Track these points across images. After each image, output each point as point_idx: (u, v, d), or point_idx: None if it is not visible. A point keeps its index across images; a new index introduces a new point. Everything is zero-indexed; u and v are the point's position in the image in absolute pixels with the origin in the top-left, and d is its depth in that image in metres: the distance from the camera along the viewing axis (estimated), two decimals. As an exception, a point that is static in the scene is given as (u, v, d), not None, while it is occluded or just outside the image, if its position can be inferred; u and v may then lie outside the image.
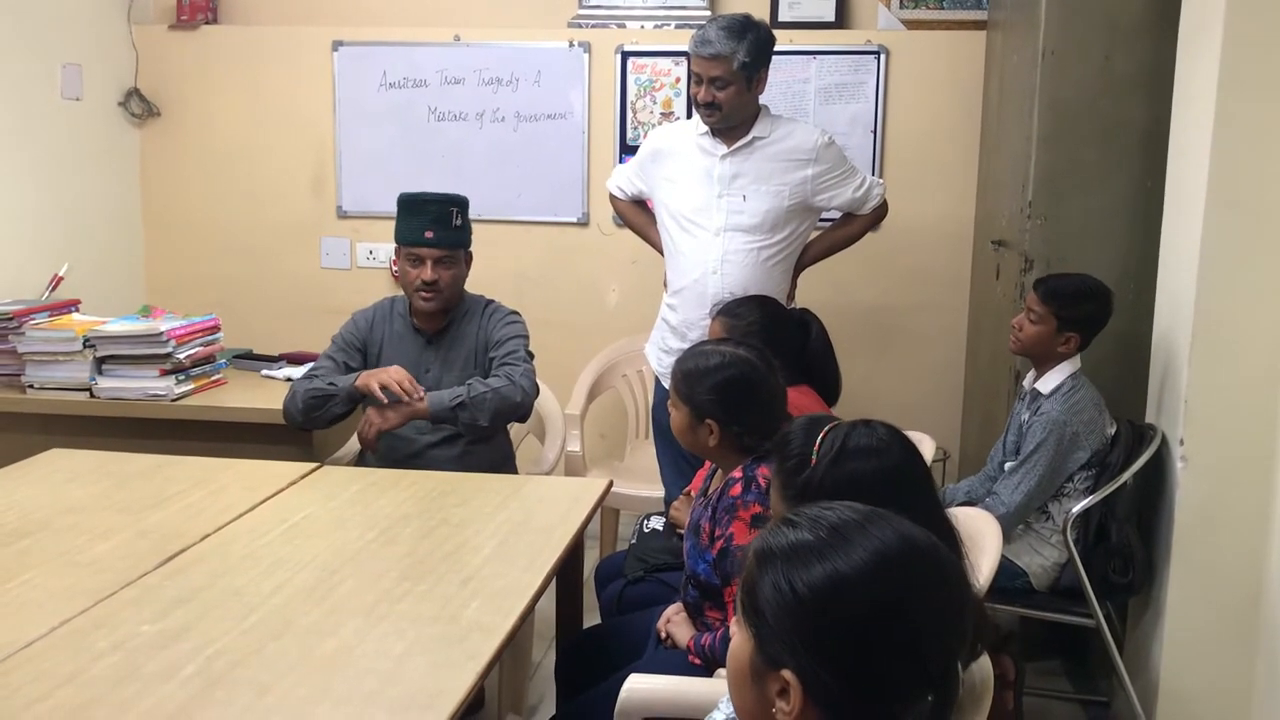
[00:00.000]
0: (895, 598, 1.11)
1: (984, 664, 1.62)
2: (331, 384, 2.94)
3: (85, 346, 3.35)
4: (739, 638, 1.17)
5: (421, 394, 2.86)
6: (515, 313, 3.15)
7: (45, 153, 4.16)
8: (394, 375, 2.85)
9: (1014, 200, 3.51)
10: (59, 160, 4.23)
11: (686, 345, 3.22)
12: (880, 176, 4.18)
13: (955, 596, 1.16)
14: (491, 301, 3.17)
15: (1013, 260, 3.50)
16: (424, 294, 3.00)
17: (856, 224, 3.47)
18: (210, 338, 3.53)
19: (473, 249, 3.12)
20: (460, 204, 3.05)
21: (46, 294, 3.87)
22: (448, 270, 3.00)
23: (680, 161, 3.38)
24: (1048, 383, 3.00)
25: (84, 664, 1.72)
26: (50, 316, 3.52)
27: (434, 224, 2.98)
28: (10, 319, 3.44)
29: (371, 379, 2.86)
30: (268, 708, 1.61)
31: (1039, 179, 3.32)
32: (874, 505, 1.21)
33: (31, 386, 3.40)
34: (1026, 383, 3.10)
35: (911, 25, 4.31)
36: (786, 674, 1.11)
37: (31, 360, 3.39)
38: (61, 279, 3.91)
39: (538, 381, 3.04)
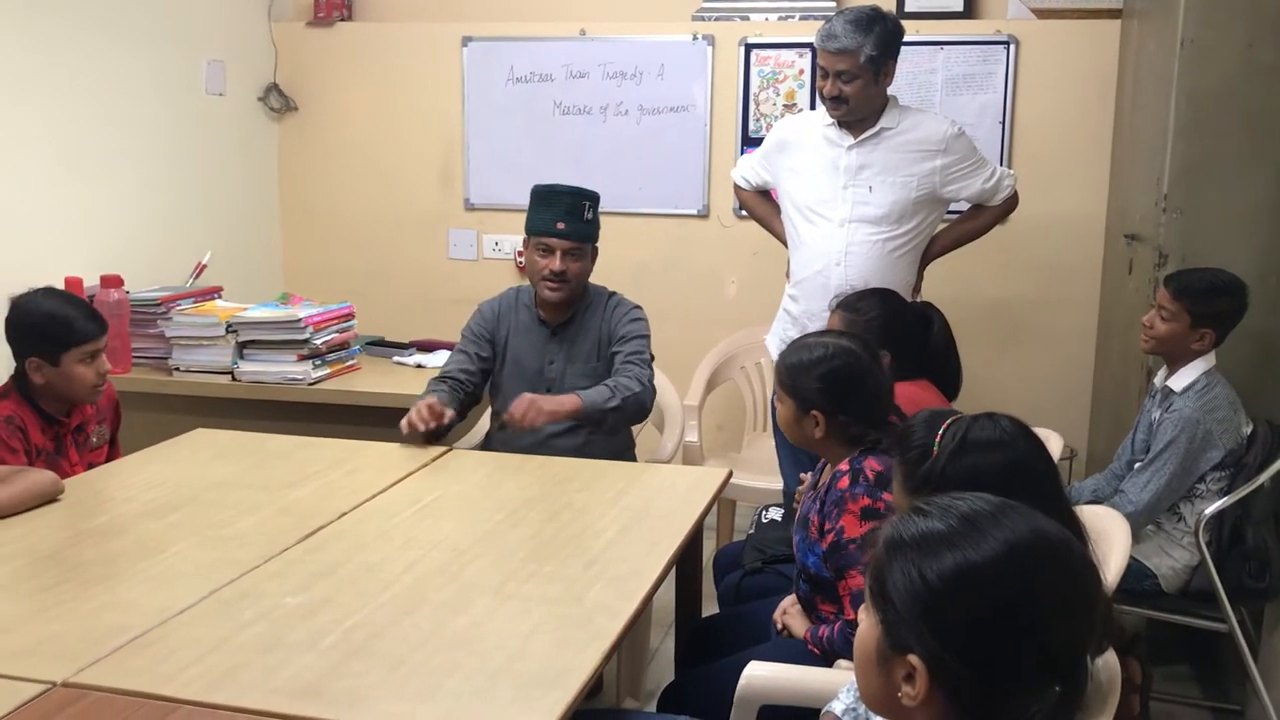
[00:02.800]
0: (1024, 589, 1.11)
1: (1111, 663, 1.60)
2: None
3: (228, 332, 3.51)
4: (866, 623, 1.19)
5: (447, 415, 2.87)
6: (638, 308, 3.16)
7: (190, 146, 4.35)
8: (427, 416, 2.85)
9: (1148, 193, 3.42)
10: (203, 153, 4.42)
11: (802, 337, 3.24)
12: (1010, 169, 4.10)
13: (1085, 590, 1.15)
14: (615, 294, 3.19)
15: (1146, 255, 3.41)
16: (550, 284, 3.03)
17: (985, 216, 3.42)
18: (345, 324, 3.66)
19: (597, 243, 3.15)
20: (592, 198, 3.09)
21: (190, 281, 4.05)
22: (575, 262, 3.04)
23: (806, 152, 3.37)
24: (1180, 380, 2.93)
25: (231, 631, 1.82)
26: (195, 303, 3.69)
27: (566, 215, 3.02)
28: (158, 305, 3.62)
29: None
30: (402, 679, 1.67)
31: (1175, 171, 3.22)
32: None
33: (177, 369, 3.57)
34: (1158, 380, 3.03)
35: (1042, 14, 4.22)
36: (913, 659, 1.12)
37: (178, 344, 3.56)
38: (205, 267, 4.09)
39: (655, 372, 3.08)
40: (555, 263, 3.01)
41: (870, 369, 2.26)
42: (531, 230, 3.08)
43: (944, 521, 1.15)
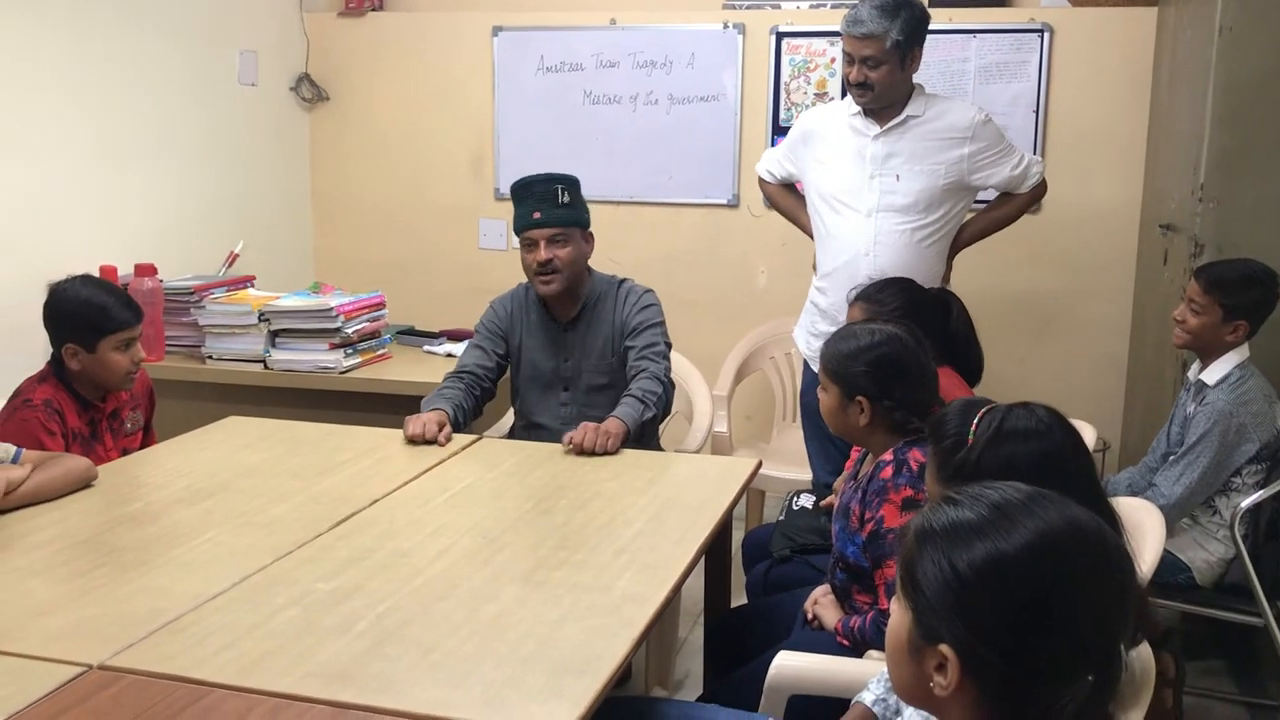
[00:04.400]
0: (1056, 578, 1.11)
1: (1145, 655, 1.59)
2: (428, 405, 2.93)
3: (260, 320, 3.53)
4: (898, 612, 1.18)
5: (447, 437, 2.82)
6: (650, 292, 3.10)
7: (223, 135, 4.38)
8: (420, 433, 2.79)
9: (1184, 183, 3.38)
10: (235, 143, 4.45)
11: (836, 329, 3.22)
12: (1041, 158, 4.07)
13: (1119, 579, 1.14)
14: (625, 281, 3.13)
15: (1182, 245, 3.37)
16: (542, 277, 2.96)
17: (1014, 203, 3.39)
18: (376, 314, 3.68)
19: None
20: (565, 181, 3.00)
21: (223, 270, 4.08)
22: (561, 248, 2.95)
23: (831, 143, 3.35)
24: (1213, 373, 2.90)
25: (265, 616, 1.83)
26: (228, 291, 3.72)
27: (540, 204, 2.96)
28: (191, 293, 3.65)
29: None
30: (433, 664, 1.68)
31: (1212, 161, 3.19)
32: (1032, 488, 1.20)
33: (210, 357, 3.60)
34: (1191, 374, 3.00)
35: (1077, 2, 4.18)
36: (944, 649, 1.12)
37: (210, 332, 3.59)
38: (237, 256, 4.12)
39: (682, 362, 3.03)
40: (540, 253, 2.94)
41: (917, 356, 2.25)
42: (515, 229, 3.03)
43: (975, 511, 1.15)
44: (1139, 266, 4.14)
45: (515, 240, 4.69)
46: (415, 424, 2.80)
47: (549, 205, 2.96)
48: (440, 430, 2.80)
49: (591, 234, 3.08)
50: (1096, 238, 4.21)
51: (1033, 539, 1.11)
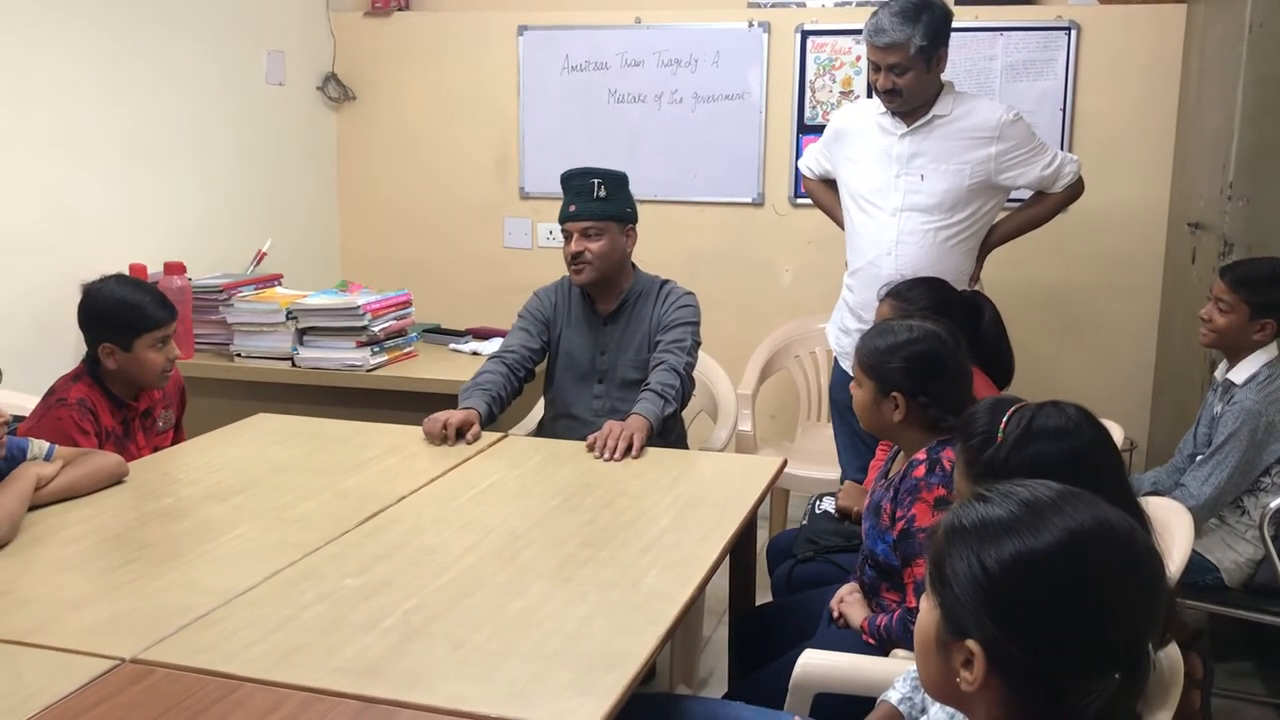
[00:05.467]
0: (1086, 578, 1.11)
1: (1174, 655, 1.58)
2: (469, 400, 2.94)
3: (288, 318, 3.56)
4: (927, 608, 1.19)
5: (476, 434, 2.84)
6: (690, 294, 3.13)
7: (251, 135, 4.41)
8: (438, 430, 2.81)
9: (1213, 181, 3.36)
10: (263, 142, 4.48)
11: (863, 326, 3.21)
12: (1077, 158, 4.05)
13: (1149, 578, 1.14)
14: (668, 282, 3.16)
15: (1211, 244, 3.35)
16: (573, 266, 3.04)
17: (1047, 203, 3.36)
18: (402, 312, 3.70)
19: (647, 228, 3.12)
20: (605, 175, 3.04)
21: (251, 268, 4.11)
22: (594, 241, 3.00)
23: (861, 141, 3.35)
24: (1241, 372, 2.88)
25: (294, 612, 1.85)
26: (256, 290, 3.75)
27: (576, 197, 3.02)
28: (220, 292, 3.69)
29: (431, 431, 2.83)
30: (461, 660, 1.69)
31: (1241, 159, 3.16)
32: (1061, 487, 1.20)
33: (239, 355, 3.63)
34: (1219, 373, 2.98)
35: (1105, -1, 4.16)
36: (971, 645, 1.12)
37: (239, 330, 3.62)
38: (265, 254, 4.15)
39: (707, 360, 3.04)
40: (573, 245, 3.02)
41: (954, 353, 2.25)
42: (559, 221, 3.10)
43: (1004, 508, 1.15)
44: (1167, 265, 4.11)
45: (540, 239, 4.76)
46: (433, 424, 2.80)
47: (584, 199, 3.02)
48: (463, 434, 2.80)
49: (633, 229, 3.11)
50: (1124, 236, 4.18)
51: (1063, 537, 1.11)
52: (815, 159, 3.56)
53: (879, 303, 3.03)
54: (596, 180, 3.03)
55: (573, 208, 3.02)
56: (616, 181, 3.07)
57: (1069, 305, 4.28)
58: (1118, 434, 2.73)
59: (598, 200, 3.02)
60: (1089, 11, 4.13)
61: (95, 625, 1.80)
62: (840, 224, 3.54)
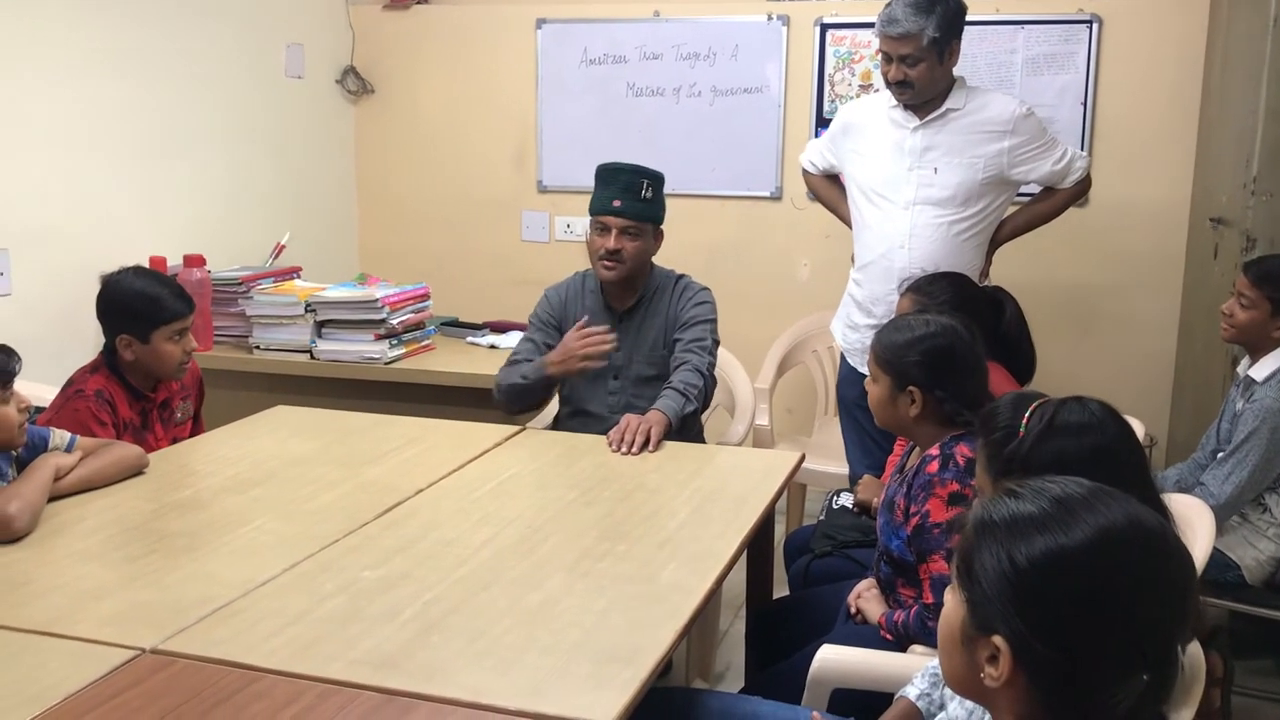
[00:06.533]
0: (1116, 575, 1.10)
1: (1195, 653, 1.57)
2: (524, 376, 2.97)
3: (307, 311, 3.57)
4: (952, 602, 1.18)
5: (610, 340, 2.88)
6: (706, 289, 3.12)
7: (270, 128, 4.42)
8: (579, 347, 2.86)
9: (1236, 176, 3.33)
10: (282, 135, 4.49)
11: (872, 321, 3.20)
12: (1089, 151, 4.03)
13: (1179, 579, 1.13)
14: (683, 277, 3.15)
15: (1233, 239, 3.33)
16: (606, 263, 3.00)
17: (1057, 199, 3.35)
18: (420, 305, 3.71)
19: (665, 223, 3.11)
20: (652, 177, 3.03)
21: (270, 261, 4.12)
22: (631, 241, 2.98)
23: (870, 135, 3.33)
24: (1263, 369, 2.86)
25: (312, 604, 1.85)
26: (274, 282, 3.76)
27: (623, 193, 2.98)
28: (239, 284, 3.70)
29: (568, 364, 2.88)
30: (479, 652, 1.69)
31: (1265, 153, 3.14)
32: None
33: (257, 348, 3.64)
34: (1241, 369, 2.96)
35: (1127, -8, 4.13)
36: (997, 640, 1.11)
37: (258, 323, 3.63)
38: (284, 247, 4.16)
39: (725, 354, 3.03)
40: (610, 241, 2.97)
41: (971, 348, 2.24)
42: (591, 209, 3.05)
43: (1036, 504, 1.14)
44: (1188, 261, 4.09)
45: (558, 232, 4.75)
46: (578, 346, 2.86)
47: (631, 197, 2.99)
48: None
49: (662, 231, 3.10)
50: (1145, 231, 4.16)
51: (1094, 535, 1.11)
52: (819, 154, 3.55)
53: (899, 297, 3.02)
54: (645, 180, 3.01)
55: (617, 203, 2.98)
56: (660, 184, 3.06)
57: (1089, 301, 4.26)
58: (1138, 430, 2.71)
59: (644, 201, 3.01)
60: (1111, 4, 4.10)
61: (115, 616, 1.81)
62: (843, 219, 3.53)
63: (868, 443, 3.25)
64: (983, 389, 2.25)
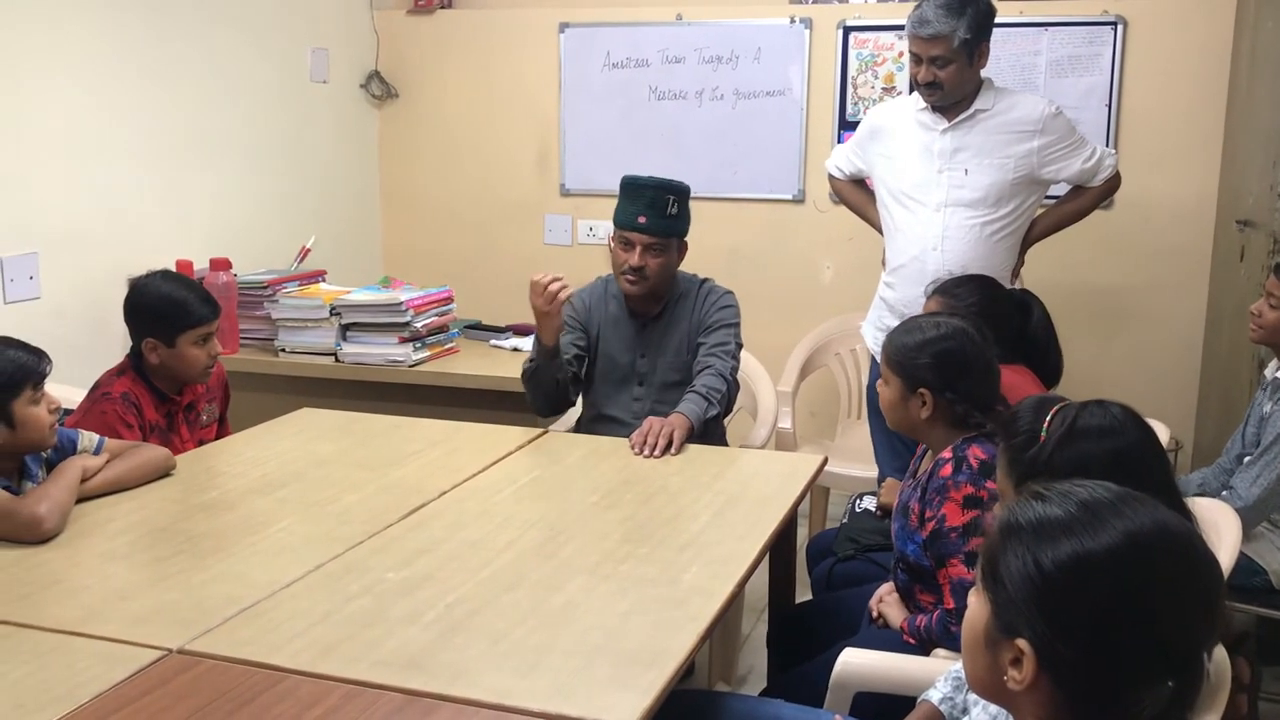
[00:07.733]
0: (1143, 581, 1.09)
1: (1221, 659, 1.56)
2: (529, 360, 2.97)
3: (331, 314, 3.59)
4: (976, 604, 1.18)
5: (560, 279, 2.85)
6: (729, 294, 3.10)
7: (295, 133, 4.45)
8: (543, 303, 2.83)
9: (1263, 178, 3.31)
10: (307, 140, 4.52)
11: (903, 323, 3.19)
12: (1115, 152, 4.00)
13: (1206, 585, 1.12)
14: (706, 281, 3.14)
15: (1260, 241, 3.30)
16: (629, 278, 2.98)
17: (1086, 197, 3.34)
18: (444, 308, 3.72)
19: (685, 237, 3.10)
20: (678, 191, 2.99)
21: (295, 264, 4.15)
22: (655, 258, 2.96)
23: (899, 138, 3.33)
24: (1290, 372, 2.83)
25: (337, 605, 1.87)
26: (300, 286, 3.79)
27: (648, 209, 2.95)
28: (264, 287, 3.72)
29: (544, 320, 2.86)
30: (502, 654, 1.70)
31: (1292, 155, 3.11)
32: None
33: (283, 350, 3.66)
34: (1268, 372, 2.93)
35: (1152, -7, 4.11)
36: (1021, 643, 1.11)
37: (283, 326, 3.66)
38: (309, 250, 4.19)
39: (748, 358, 3.02)
40: (634, 258, 2.94)
41: (982, 350, 2.24)
42: (616, 223, 3.02)
43: (1063, 508, 1.14)
44: (1214, 263, 4.06)
45: (581, 236, 4.76)
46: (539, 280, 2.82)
47: (656, 214, 2.96)
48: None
49: (686, 243, 3.08)
50: (1171, 233, 4.13)
51: (1121, 540, 1.10)
52: (845, 159, 3.55)
53: (926, 299, 3.02)
54: (672, 197, 2.97)
55: (642, 219, 2.94)
56: (686, 197, 3.03)
57: (1115, 303, 4.23)
58: (1163, 433, 2.70)
59: (669, 217, 2.98)
60: (1136, 5, 4.08)
61: (142, 615, 1.82)
62: (871, 222, 3.53)
63: (897, 445, 3.24)
64: (994, 391, 2.24)
